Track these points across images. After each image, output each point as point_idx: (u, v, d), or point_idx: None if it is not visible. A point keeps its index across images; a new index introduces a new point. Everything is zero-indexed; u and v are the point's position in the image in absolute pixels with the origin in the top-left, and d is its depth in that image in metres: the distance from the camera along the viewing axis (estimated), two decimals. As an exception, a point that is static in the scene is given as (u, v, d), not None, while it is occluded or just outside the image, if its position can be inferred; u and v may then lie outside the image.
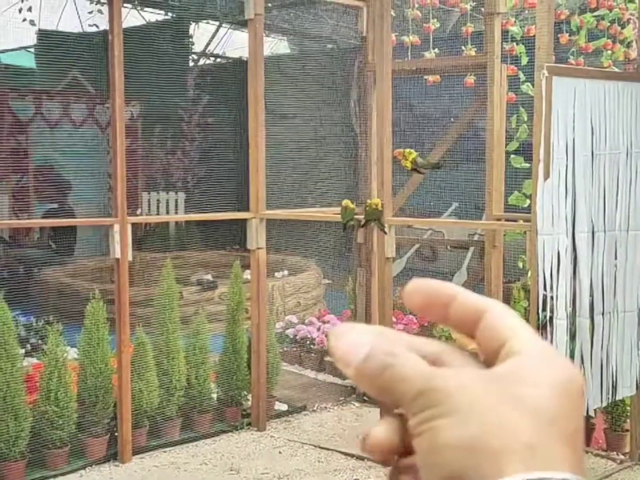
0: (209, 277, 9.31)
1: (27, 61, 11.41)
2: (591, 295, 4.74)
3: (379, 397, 0.49)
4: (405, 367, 0.48)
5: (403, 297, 0.54)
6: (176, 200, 11.10)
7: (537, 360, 0.48)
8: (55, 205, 9.63)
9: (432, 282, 0.53)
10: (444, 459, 0.45)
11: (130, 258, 5.55)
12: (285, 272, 9.69)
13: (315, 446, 6.00)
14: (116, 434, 5.67)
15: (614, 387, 4.87)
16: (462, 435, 0.45)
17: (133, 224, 5.69)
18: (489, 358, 0.51)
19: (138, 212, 10.15)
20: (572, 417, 0.47)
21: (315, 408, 6.86)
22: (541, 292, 4.60)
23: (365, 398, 7.00)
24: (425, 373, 0.48)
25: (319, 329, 7.99)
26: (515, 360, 0.48)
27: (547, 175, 4.53)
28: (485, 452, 0.45)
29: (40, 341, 6.94)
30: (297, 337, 8.07)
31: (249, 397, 6.44)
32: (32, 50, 11.52)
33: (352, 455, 5.78)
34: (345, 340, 0.50)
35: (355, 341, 0.50)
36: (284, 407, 6.77)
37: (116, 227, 5.45)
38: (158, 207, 11.08)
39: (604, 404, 4.94)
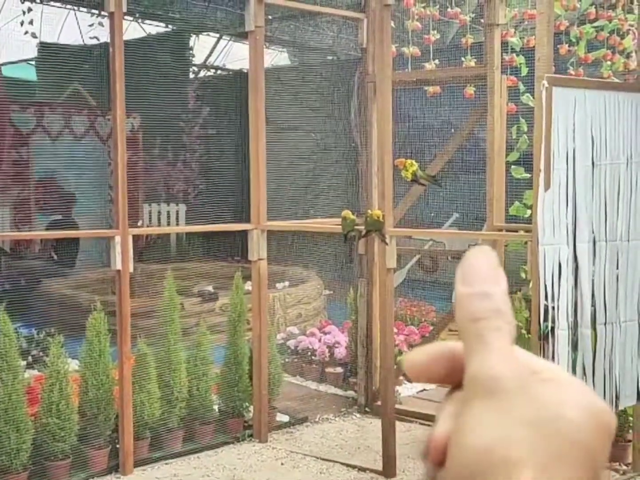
0: (210, 288, 9.32)
1: (28, 74, 11.45)
2: (593, 305, 4.73)
3: None
4: None
5: (405, 370, 0.53)
6: (177, 212, 11.12)
7: (570, 385, 0.49)
8: (59, 217, 9.64)
9: (428, 351, 0.53)
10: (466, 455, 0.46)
11: (131, 269, 5.56)
12: (286, 283, 9.69)
13: (317, 458, 5.99)
14: (118, 445, 5.67)
15: (617, 398, 4.86)
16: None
17: (134, 236, 5.70)
18: None
19: (139, 223, 10.16)
20: (597, 448, 0.48)
21: (317, 419, 6.85)
22: (542, 302, 4.59)
23: (367, 409, 6.99)
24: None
25: (320, 340, 7.98)
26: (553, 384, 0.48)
27: (547, 186, 4.54)
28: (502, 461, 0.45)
29: (41, 353, 6.93)
30: (299, 349, 8.06)
31: (251, 408, 6.43)
32: (33, 62, 11.55)
33: (353, 467, 5.77)
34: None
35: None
36: (285, 418, 6.76)
37: (117, 239, 5.46)
38: (159, 219, 11.10)
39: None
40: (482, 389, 0.47)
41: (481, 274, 0.50)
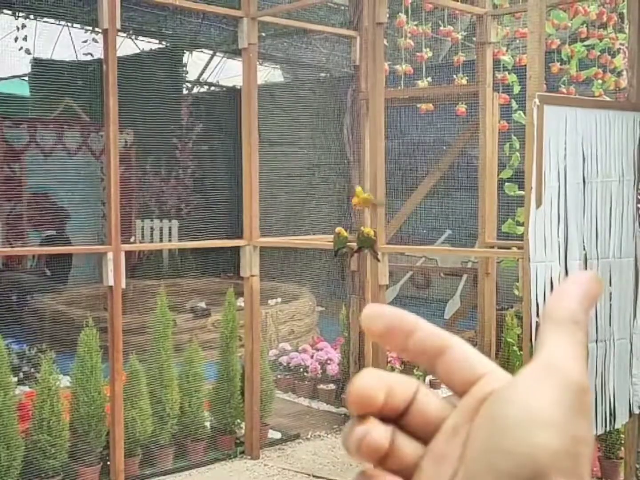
0: (203, 304, 9.30)
1: (21, 89, 11.46)
2: (585, 322, 4.73)
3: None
4: None
5: (363, 320, 0.54)
6: (170, 228, 11.11)
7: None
8: (53, 233, 9.62)
9: (394, 310, 0.54)
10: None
11: (123, 285, 5.54)
12: (279, 300, 9.68)
13: (309, 475, 5.97)
14: (109, 462, 5.63)
15: (613, 415, 4.86)
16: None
17: (127, 252, 5.69)
18: (454, 390, 0.52)
19: (132, 239, 10.15)
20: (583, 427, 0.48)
21: (309, 436, 6.83)
22: (534, 319, 4.60)
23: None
24: None
25: (312, 357, 7.97)
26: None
27: (539, 203, 4.56)
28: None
29: (32, 369, 6.91)
30: (291, 365, 8.05)
31: (243, 425, 6.41)
32: (26, 78, 11.57)
33: (346, 484, 5.75)
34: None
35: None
36: (277, 435, 6.74)
37: (110, 255, 5.45)
38: (152, 235, 11.09)
39: (600, 432, 4.93)
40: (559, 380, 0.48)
41: (591, 294, 0.52)
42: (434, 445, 0.51)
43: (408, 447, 0.52)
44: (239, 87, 8.37)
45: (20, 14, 9.55)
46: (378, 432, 0.51)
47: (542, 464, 0.45)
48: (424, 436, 0.52)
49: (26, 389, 6.33)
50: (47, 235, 9.52)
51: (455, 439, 0.50)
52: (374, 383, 0.51)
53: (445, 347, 0.52)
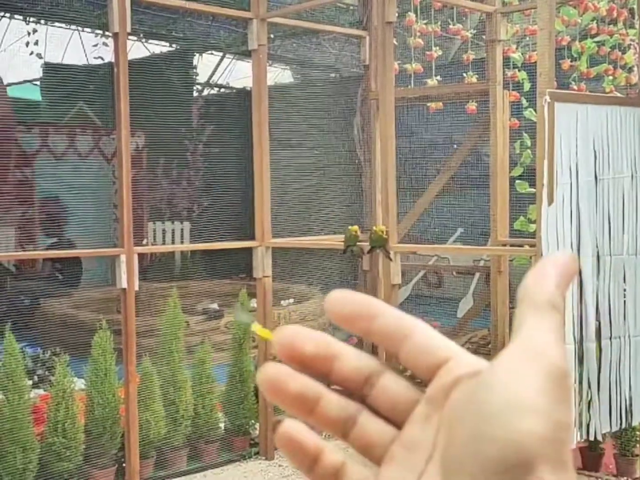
0: (215, 306, 9.31)
1: (33, 94, 11.51)
2: (598, 319, 4.73)
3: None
4: None
5: (326, 305, 0.53)
6: (182, 230, 11.14)
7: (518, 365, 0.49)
8: (55, 240, 9.62)
9: (358, 295, 0.54)
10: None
11: (136, 288, 5.56)
12: (291, 300, 9.69)
13: (324, 475, 5.96)
14: (124, 464, 5.65)
15: (628, 413, 4.84)
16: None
17: (139, 254, 5.71)
18: (420, 375, 0.52)
19: (144, 242, 10.18)
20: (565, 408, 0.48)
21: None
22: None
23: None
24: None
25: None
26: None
27: (551, 200, 4.55)
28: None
29: (47, 372, 6.93)
30: (304, 365, 8.04)
31: (257, 426, 6.41)
32: (37, 83, 11.62)
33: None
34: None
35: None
36: (291, 435, 6.73)
37: (122, 257, 5.46)
38: (164, 237, 11.12)
39: (615, 429, 4.91)
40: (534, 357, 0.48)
41: (567, 275, 0.51)
42: (405, 432, 0.51)
43: (373, 424, 0.53)
44: (248, 89, 8.37)
45: (31, 19, 9.60)
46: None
47: (529, 451, 0.45)
48: (393, 418, 0.52)
49: (40, 392, 6.36)
50: (52, 243, 9.52)
51: (427, 426, 0.50)
52: (308, 334, 0.53)
53: (409, 331, 0.52)
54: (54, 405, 5.36)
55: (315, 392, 0.54)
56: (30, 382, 6.20)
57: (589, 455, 5.62)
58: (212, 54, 12.27)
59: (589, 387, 4.67)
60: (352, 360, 0.53)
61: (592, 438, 4.78)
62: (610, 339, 4.77)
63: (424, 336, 0.52)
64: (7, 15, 9.87)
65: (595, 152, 4.71)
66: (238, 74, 12.77)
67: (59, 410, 5.34)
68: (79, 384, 5.85)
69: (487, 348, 7.05)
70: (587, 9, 6.41)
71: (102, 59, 10.23)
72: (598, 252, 4.72)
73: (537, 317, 0.50)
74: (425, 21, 6.73)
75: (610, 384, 4.77)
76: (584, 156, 4.65)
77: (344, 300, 0.53)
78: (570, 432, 0.48)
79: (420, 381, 0.52)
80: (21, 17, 9.77)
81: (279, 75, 12.69)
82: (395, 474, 0.51)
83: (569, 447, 0.48)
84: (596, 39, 6.52)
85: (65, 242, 9.55)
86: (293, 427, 0.55)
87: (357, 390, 0.53)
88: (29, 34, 9.79)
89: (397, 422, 0.52)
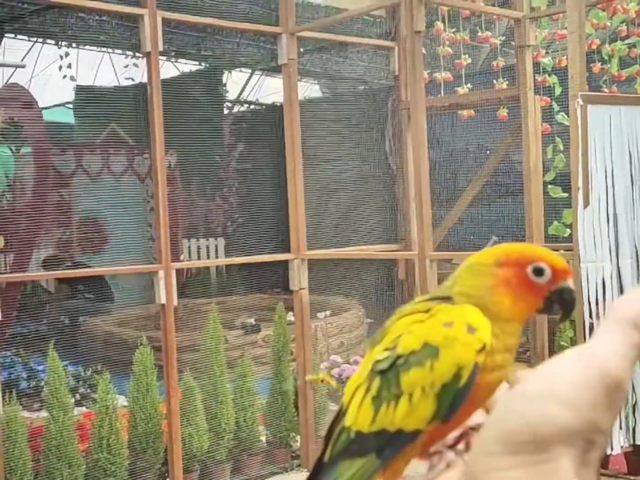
0: (252, 320, 9.35)
1: (66, 117, 11.68)
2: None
3: None
4: None
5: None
6: (216, 246, 11.20)
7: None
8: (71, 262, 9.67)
9: None
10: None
11: (175, 303, 5.62)
12: (328, 313, 9.70)
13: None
14: (168, 479, 5.70)
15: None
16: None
17: (176, 270, 5.77)
18: None
19: (181, 257, 10.27)
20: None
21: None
22: (587, 320, 4.57)
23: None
24: None
25: (363, 368, 7.96)
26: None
27: (586, 203, 4.54)
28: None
29: (89, 390, 7.01)
30: (343, 377, 8.05)
31: (298, 438, 6.43)
32: (70, 106, 11.79)
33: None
34: None
35: None
36: (332, 447, 6.74)
37: (161, 274, 5.52)
38: (199, 254, 11.19)
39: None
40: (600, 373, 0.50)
41: None
42: None
43: None
44: (278, 104, 8.43)
45: (63, 43, 9.75)
46: None
47: (546, 434, 0.48)
48: None
49: (83, 409, 6.43)
50: (66, 265, 9.58)
51: None
52: None
53: None
54: (98, 422, 5.42)
55: None
56: (73, 400, 6.28)
57: (633, 460, 5.55)
58: (241, 71, 12.37)
59: (633, 390, 4.64)
60: None
61: (638, 442, 4.74)
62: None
63: None
64: (40, 40, 10.03)
65: (630, 154, 4.69)
66: (267, 89, 12.87)
67: (103, 427, 5.40)
68: (121, 400, 5.91)
69: (526, 355, 7.01)
70: (616, 12, 6.39)
71: (133, 79, 10.36)
72: (637, 254, 4.70)
73: (614, 330, 0.52)
74: (453, 29, 6.75)
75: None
76: (618, 158, 4.64)
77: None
78: (605, 438, 0.50)
79: None
80: (53, 42, 9.93)
81: (308, 89, 12.76)
82: None
83: (599, 452, 0.50)
84: (626, 41, 6.50)
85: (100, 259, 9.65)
86: None
87: None
88: (61, 57, 9.95)
89: None
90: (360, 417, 0.73)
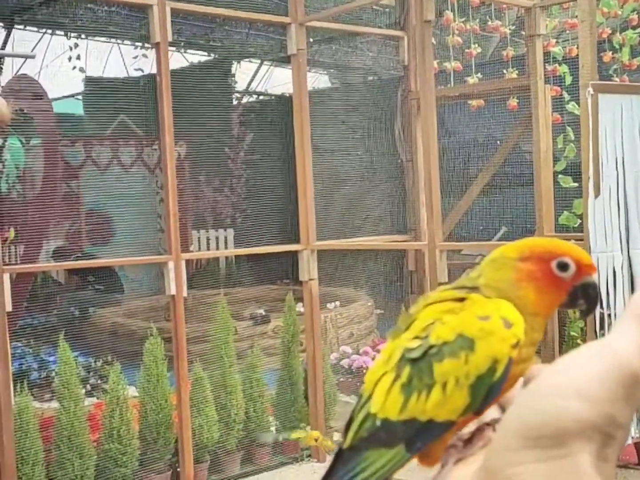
0: (262, 311, 9.36)
1: (76, 108, 11.68)
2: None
3: None
4: None
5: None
6: (225, 237, 11.21)
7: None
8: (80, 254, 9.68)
9: None
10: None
11: (185, 294, 5.62)
12: (337, 303, 9.70)
13: (376, 476, 5.96)
14: (178, 469, 5.72)
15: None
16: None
17: (185, 261, 5.77)
18: None
19: (191, 248, 10.28)
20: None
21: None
22: (598, 310, 4.55)
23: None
24: None
25: (373, 359, 7.97)
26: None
27: (597, 193, 4.52)
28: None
29: (99, 381, 7.03)
30: (353, 368, 8.06)
31: (308, 429, 6.44)
32: (79, 97, 11.79)
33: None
34: None
35: None
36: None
37: (170, 265, 5.53)
38: (208, 245, 11.20)
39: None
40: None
41: None
42: None
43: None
44: (287, 95, 8.42)
45: (72, 34, 9.74)
46: None
47: (565, 428, 0.49)
48: None
49: (94, 400, 6.46)
50: (77, 255, 9.59)
51: None
52: None
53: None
54: (109, 412, 5.45)
55: None
56: (84, 391, 6.30)
57: (644, 450, 5.55)
58: (250, 61, 12.35)
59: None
60: None
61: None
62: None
63: None
64: (49, 31, 10.03)
65: (641, 143, 4.66)
66: (276, 80, 12.84)
67: (114, 417, 5.42)
68: (132, 391, 5.93)
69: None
70: (627, 0, 6.35)
71: (142, 70, 10.35)
72: (648, 244, 4.68)
73: (632, 324, 0.52)
74: (463, 19, 6.72)
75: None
76: (629, 147, 4.61)
77: None
78: (624, 433, 0.50)
79: None
80: (62, 33, 9.93)
81: (317, 80, 12.73)
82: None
83: (617, 446, 0.50)
84: (637, 30, 6.46)
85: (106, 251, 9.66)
86: None
87: None
88: (70, 49, 9.95)
89: None
90: (388, 405, 0.72)
